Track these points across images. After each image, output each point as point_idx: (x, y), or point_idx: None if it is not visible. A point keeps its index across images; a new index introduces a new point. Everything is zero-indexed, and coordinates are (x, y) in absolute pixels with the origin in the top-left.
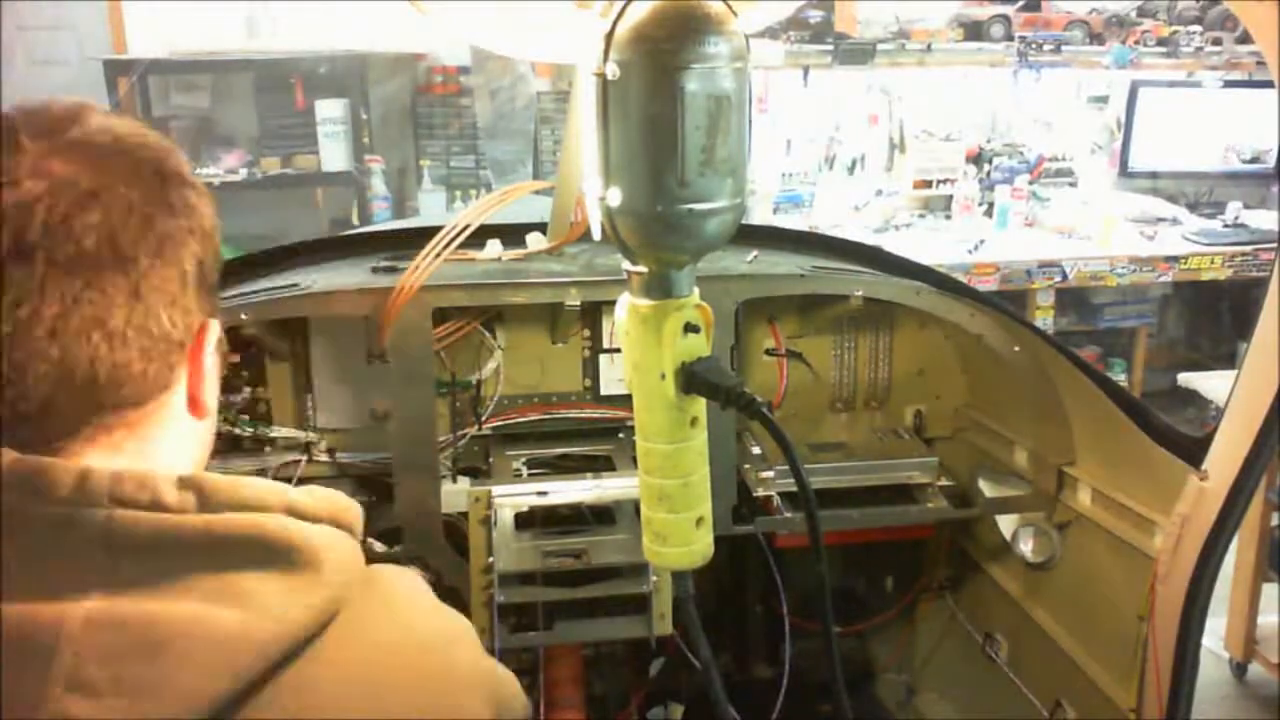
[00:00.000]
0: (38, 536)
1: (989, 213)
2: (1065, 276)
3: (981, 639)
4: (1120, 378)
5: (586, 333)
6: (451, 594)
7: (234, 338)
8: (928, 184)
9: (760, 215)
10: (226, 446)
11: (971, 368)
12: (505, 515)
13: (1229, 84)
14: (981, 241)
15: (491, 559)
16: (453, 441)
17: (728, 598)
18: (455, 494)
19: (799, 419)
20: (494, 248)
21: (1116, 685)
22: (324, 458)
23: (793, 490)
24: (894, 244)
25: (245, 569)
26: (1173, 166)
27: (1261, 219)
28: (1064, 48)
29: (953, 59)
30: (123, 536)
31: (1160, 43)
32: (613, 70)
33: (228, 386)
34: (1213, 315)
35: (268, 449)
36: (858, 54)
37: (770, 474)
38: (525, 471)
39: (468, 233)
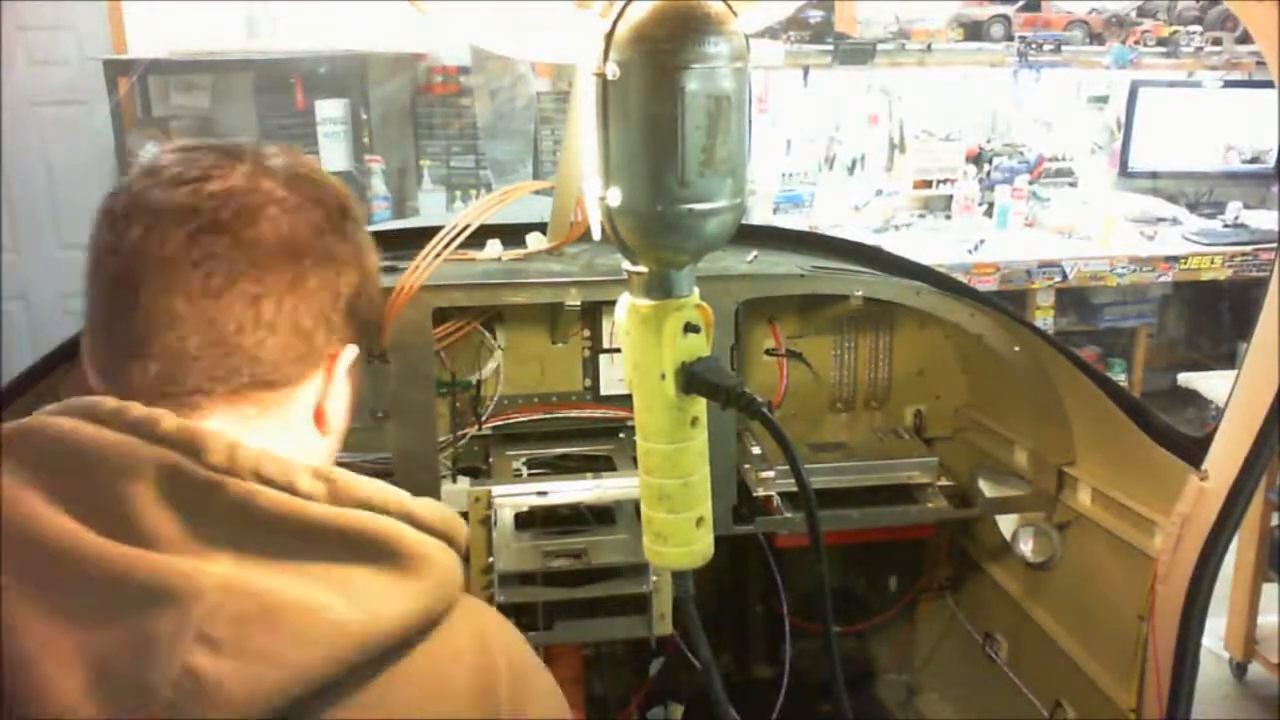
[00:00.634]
0: (187, 496)
1: (989, 213)
2: (1065, 276)
3: (981, 639)
4: (1120, 378)
5: (586, 333)
6: None
7: None
8: (928, 184)
9: (760, 215)
10: None
11: (971, 368)
12: (505, 515)
13: (1229, 84)
14: (981, 241)
15: (491, 559)
16: (453, 441)
17: (728, 598)
18: (455, 494)
19: (799, 419)
20: (494, 248)
21: (1116, 685)
22: None
23: (793, 490)
24: (894, 244)
25: (358, 563)
26: (1173, 166)
27: (1261, 219)
28: (1064, 48)
29: (953, 59)
30: (260, 511)
31: (1160, 43)
32: (613, 70)
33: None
34: (1213, 315)
35: None
36: (858, 54)
37: (770, 474)
38: (525, 471)
39: (468, 233)
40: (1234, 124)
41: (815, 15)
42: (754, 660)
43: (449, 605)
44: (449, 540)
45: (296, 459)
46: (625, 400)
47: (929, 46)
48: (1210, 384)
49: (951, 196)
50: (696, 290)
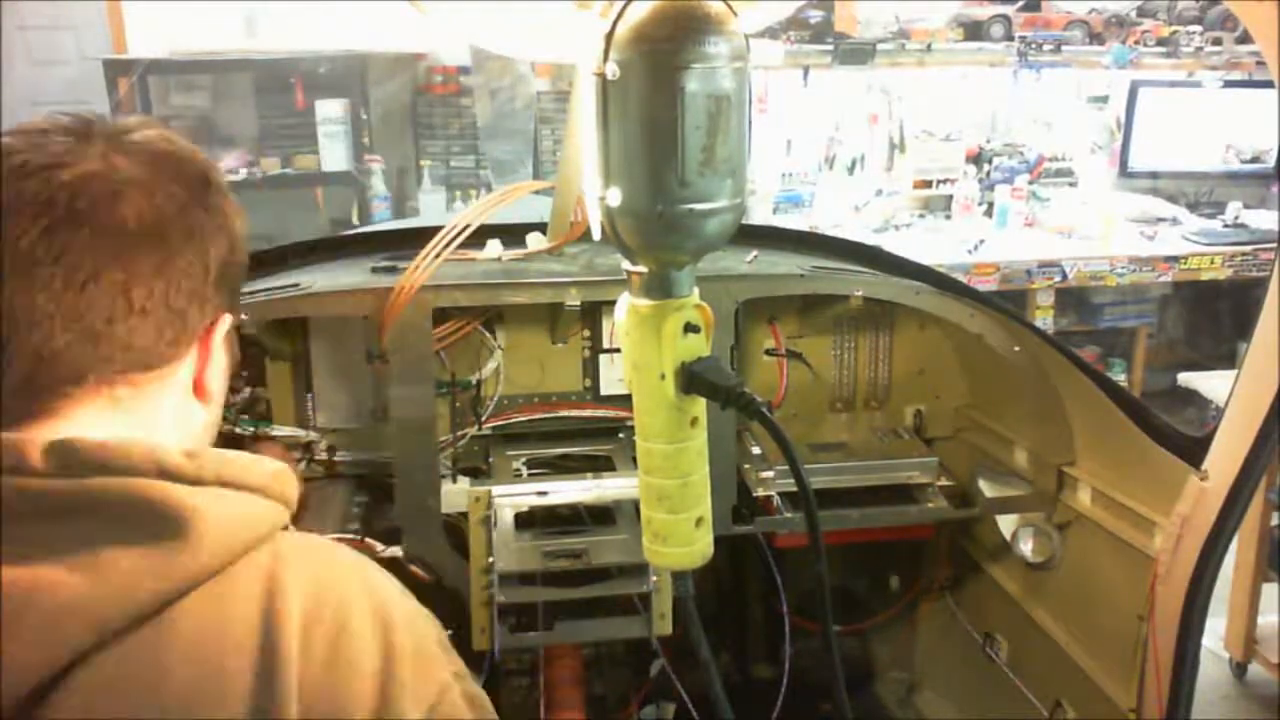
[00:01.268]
0: None
1: (989, 213)
2: (1065, 276)
3: (981, 639)
4: (1120, 378)
5: (586, 333)
6: (451, 594)
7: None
8: (928, 184)
9: (760, 215)
10: (227, 446)
11: (971, 368)
12: (505, 515)
13: (1229, 84)
14: (981, 241)
15: (491, 559)
16: (453, 441)
17: (728, 598)
18: (455, 494)
19: (799, 419)
20: (494, 248)
21: (1116, 685)
22: (324, 457)
23: (793, 490)
24: (894, 244)
25: (106, 536)
26: (1173, 166)
27: (1261, 219)
28: (1064, 48)
29: (953, 59)
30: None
31: (1160, 43)
32: (613, 70)
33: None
34: (1213, 315)
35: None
36: (858, 54)
37: (770, 474)
38: (525, 471)
39: (468, 233)
40: (1234, 124)
41: (815, 15)
42: (754, 660)
43: (228, 558)
44: (244, 488)
45: (164, 436)
46: (625, 400)
47: (929, 46)
48: (1210, 384)
49: (951, 196)
50: (696, 290)
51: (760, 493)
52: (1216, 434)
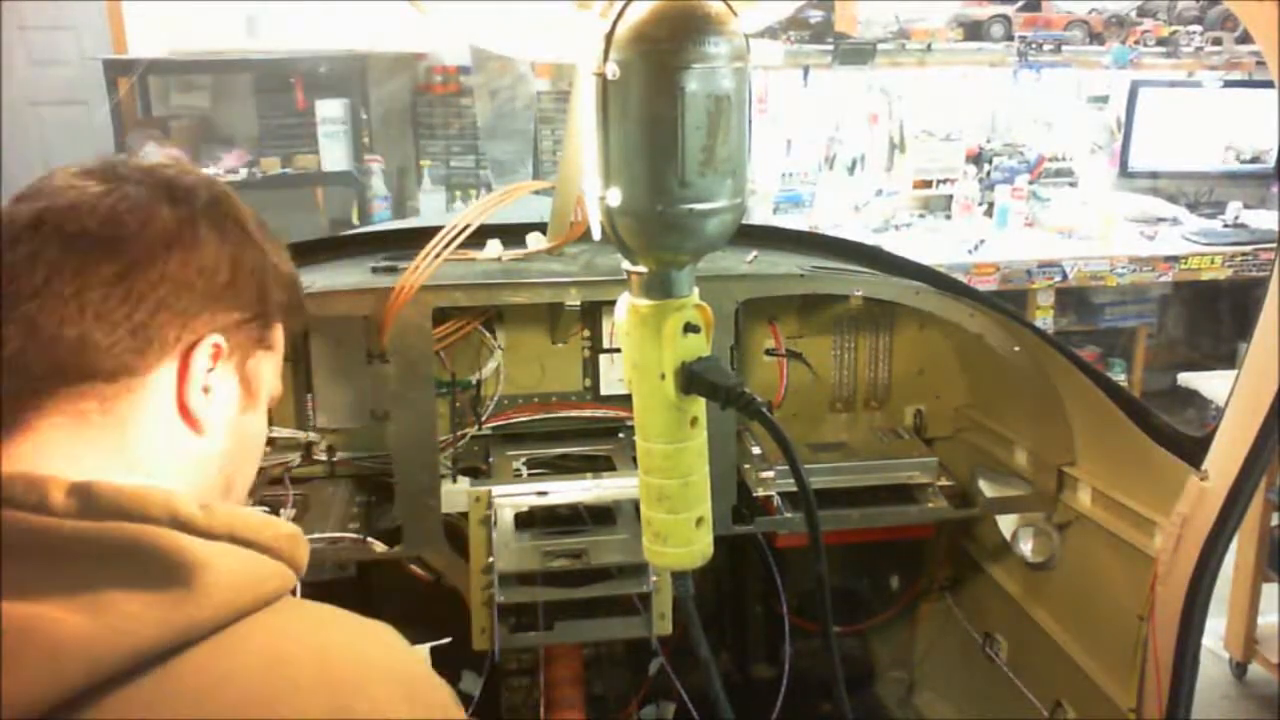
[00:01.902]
0: None
1: (989, 213)
2: (1065, 276)
3: (981, 639)
4: (1120, 378)
5: (586, 333)
6: (451, 594)
7: None
8: (928, 184)
9: (760, 215)
10: None
11: (971, 368)
12: (505, 515)
13: (1229, 84)
14: (981, 241)
15: (491, 559)
16: (453, 441)
17: (728, 598)
18: (455, 494)
19: (799, 419)
20: (494, 248)
21: (1116, 685)
22: (323, 457)
23: (793, 490)
24: (894, 244)
25: (113, 580)
26: (1173, 166)
27: (1261, 219)
28: (1064, 48)
29: (953, 59)
30: (8, 537)
31: (1160, 43)
32: (613, 70)
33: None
34: (1213, 315)
35: (267, 449)
36: (858, 54)
37: (770, 474)
38: (525, 471)
39: (468, 233)
40: (1234, 124)
41: (815, 15)
42: (754, 660)
43: (234, 614)
44: (253, 545)
45: (150, 469)
46: (625, 400)
47: (929, 46)
48: (1210, 384)
49: (951, 196)
50: (696, 290)
51: (760, 493)
52: (1216, 434)
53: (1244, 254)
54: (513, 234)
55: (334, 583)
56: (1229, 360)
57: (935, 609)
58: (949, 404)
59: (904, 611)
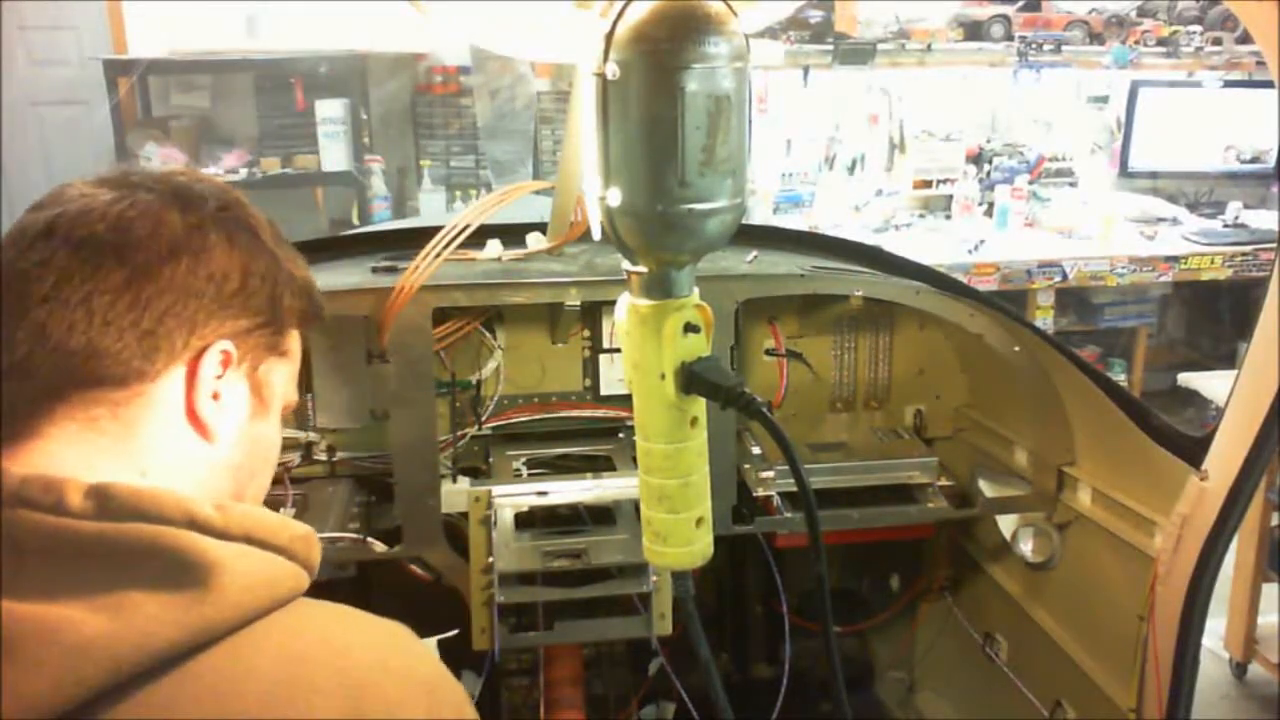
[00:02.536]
0: None
1: (989, 213)
2: (1065, 276)
3: (981, 639)
4: (1120, 378)
5: (586, 333)
6: (451, 594)
7: None
8: (928, 184)
9: (760, 215)
10: None
11: (971, 368)
12: (505, 515)
13: (1229, 84)
14: (981, 241)
15: (491, 559)
16: (453, 441)
17: (728, 598)
18: (455, 494)
19: (799, 419)
20: (494, 248)
21: (1116, 685)
22: (323, 457)
23: (793, 490)
24: (894, 244)
25: (132, 580)
26: (1173, 166)
27: (1261, 219)
28: (1064, 48)
29: (953, 59)
30: (25, 538)
31: (1160, 43)
32: (613, 70)
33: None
34: (1213, 315)
35: None
36: (858, 54)
37: (770, 474)
38: (525, 471)
39: (468, 233)
40: (1234, 124)
41: (815, 15)
42: (754, 660)
43: (250, 614)
44: (269, 546)
45: (160, 475)
46: (625, 400)
47: (929, 46)
48: (1210, 384)
49: (951, 196)
50: (696, 290)
51: (760, 493)
52: (1216, 434)
53: (1244, 254)
54: (513, 234)
55: (334, 583)
56: (1229, 360)
57: (935, 609)
58: (949, 404)
59: (904, 611)
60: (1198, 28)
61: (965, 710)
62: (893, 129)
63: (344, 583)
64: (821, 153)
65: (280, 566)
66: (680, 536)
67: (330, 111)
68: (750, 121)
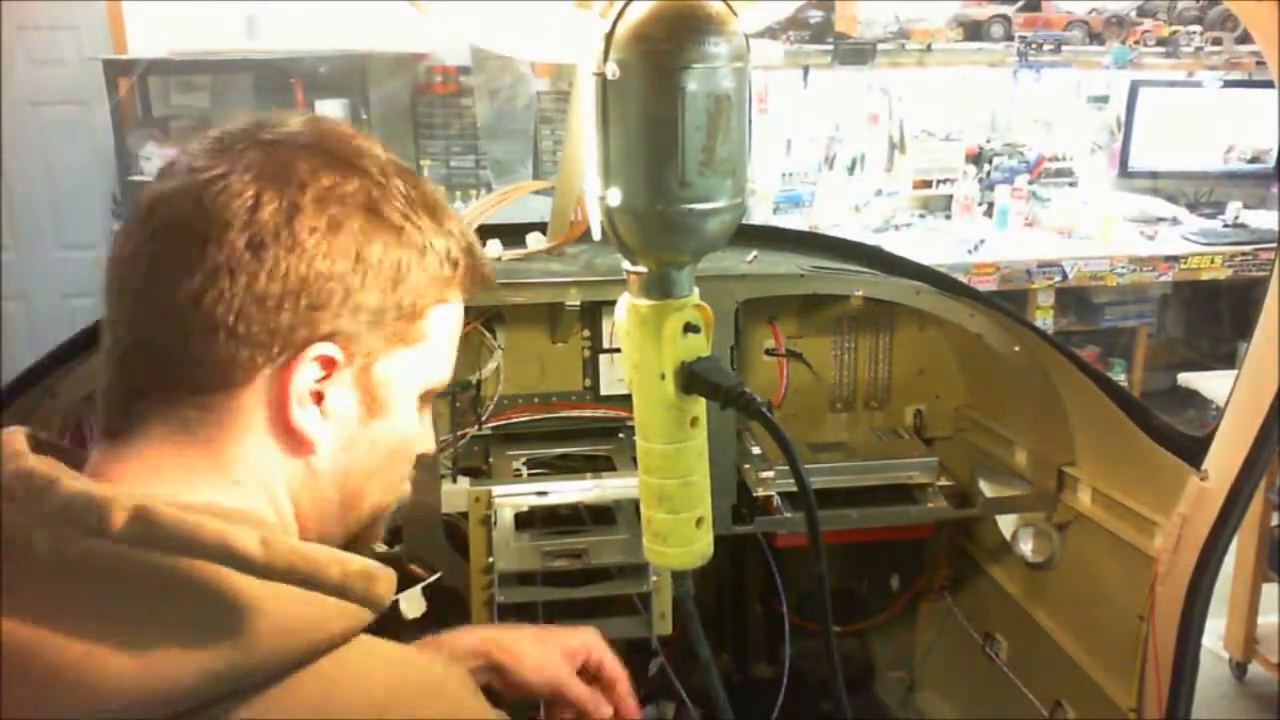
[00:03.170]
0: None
1: (989, 213)
2: (1065, 276)
3: (981, 639)
4: (1120, 378)
5: (586, 333)
6: (451, 594)
7: None
8: (928, 184)
9: (760, 215)
10: None
11: (971, 368)
12: (505, 515)
13: (1229, 84)
14: (981, 241)
15: (491, 559)
16: (453, 441)
17: (728, 598)
18: (455, 494)
19: (799, 419)
20: (494, 248)
21: (1116, 685)
22: None
23: (793, 490)
24: (894, 244)
25: (160, 618)
26: (1173, 166)
27: (1261, 219)
28: (1064, 48)
29: (953, 59)
30: (64, 558)
31: (1160, 43)
32: (613, 70)
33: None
34: (1213, 315)
35: None
36: (858, 54)
37: (770, 474)
38: (525, 471)
39: None
40: (1234, 124)
41: (815, 15)
42: (754, 660)
43: (289, 660)
44: (315, 585)
45: (247, 489)
46: (625, 400)
47: (929, 46)
48: (1210, 384)
49: (951, 196)
50: (696, 290)
51: (760, 493)
52: (1216, 434)
53: (1244, 254)
54: (513, 234)
55: None
56: (1229, 360)
57: (935, 609)
58: (949, 404)
59: (904, 611)
60: (1198, 28)
61: (965, 710)
62: (893, 129)
63: None
64: (821, 153)
65: (327, 606)
66: (680, 536)
67: (330, 111)
68: (750, 121)
